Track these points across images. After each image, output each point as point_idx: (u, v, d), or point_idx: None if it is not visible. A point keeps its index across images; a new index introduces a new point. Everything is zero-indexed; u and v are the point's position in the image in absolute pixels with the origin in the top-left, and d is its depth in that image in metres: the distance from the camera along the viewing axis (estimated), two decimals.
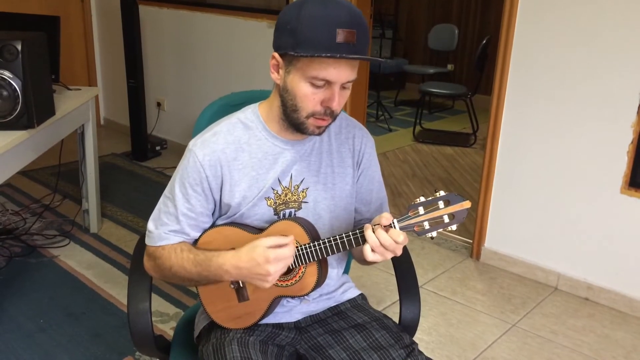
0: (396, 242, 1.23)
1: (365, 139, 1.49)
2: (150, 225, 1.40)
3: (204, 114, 1.63)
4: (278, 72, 1.30)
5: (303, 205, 1.41)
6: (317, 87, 1.25)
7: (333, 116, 1.31)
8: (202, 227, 1.40)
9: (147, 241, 1.41)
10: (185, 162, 1.36)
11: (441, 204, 1.23)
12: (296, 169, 1.40)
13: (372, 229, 1.24)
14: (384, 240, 1.23)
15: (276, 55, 1.29)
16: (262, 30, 3.99)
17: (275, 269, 1.24)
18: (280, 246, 1.25)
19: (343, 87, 1.27)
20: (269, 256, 1.24)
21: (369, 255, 1.25)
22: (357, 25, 1.22)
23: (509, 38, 2.87)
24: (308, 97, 1.26)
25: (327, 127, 1.34)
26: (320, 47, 1.20)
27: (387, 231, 1.23)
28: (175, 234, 1.37)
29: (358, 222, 1.51)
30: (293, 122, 1.32)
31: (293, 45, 1.22)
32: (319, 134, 1.35)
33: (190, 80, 4.61)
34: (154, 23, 4.69)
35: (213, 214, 1.41)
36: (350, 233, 1.29)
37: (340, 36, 1.20)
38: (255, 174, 1.37)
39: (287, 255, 1.25)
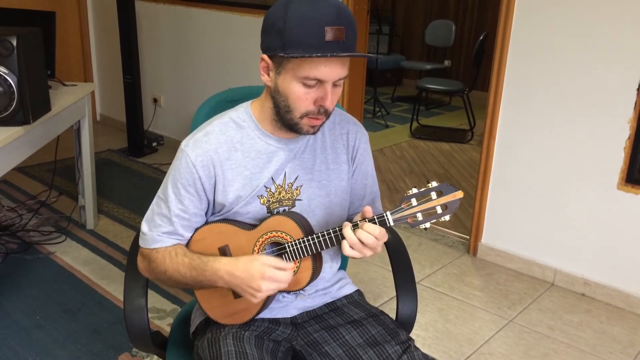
0: (375, 238, 1.24)
1: (359, 134, 1.49)
2: (144, 226, 1.39)
3: (200, 110, 1.63)
4: (268, 74, 1.30)
5: (297, 203, 1.40)
6: (309, 86, 1.25)
7: (327, 114, 1.31)
8: (195, 228, 1.40)
9: (141, 243, 1.40)
10: (178, 163, 1.35)
11: (434, 194, 1.23)
12: (290, 167, 1.39)
13: (353, 225, 1.26)
14: (365, 239, 1.24)
15: (265, 57, 1.28)
16: (259, 26, 3.95)
17: (267, 287, 1.24)
18: (279, 269, 1.25)
19: (335, 84, 1.27)
20: (265, 273, 1.24)
21: (347, 250, 1.27)
22: (345, 22, 1.22)
23: (506, 34, 2.87)
24: (301, 98, 1.26)
25: (321, 125, 1.33)
26: (310, 47, 1.19)
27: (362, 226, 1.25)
28: (169, 236, 1.37)
29: (350, 216, 1.51)
30: (287, 123, 1.32)
31: (282, 47, 1.21)
32: (314, 133, 1.34)
33: (186, 76, 4.59)
34: (150, 18, 4.68)
35: (206, 213, 1.41)
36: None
37: (329, 34, 1.19)
38: (249, 173, 1.36)
39: (282, 279, 1.25)
